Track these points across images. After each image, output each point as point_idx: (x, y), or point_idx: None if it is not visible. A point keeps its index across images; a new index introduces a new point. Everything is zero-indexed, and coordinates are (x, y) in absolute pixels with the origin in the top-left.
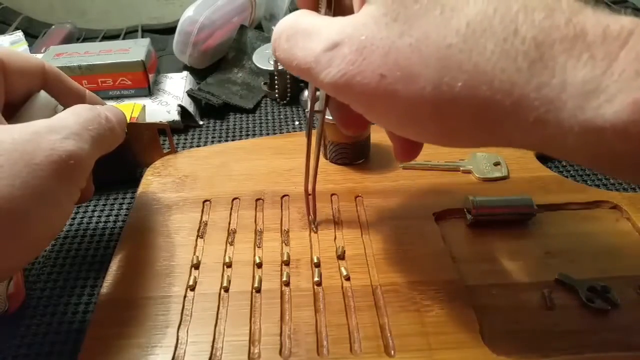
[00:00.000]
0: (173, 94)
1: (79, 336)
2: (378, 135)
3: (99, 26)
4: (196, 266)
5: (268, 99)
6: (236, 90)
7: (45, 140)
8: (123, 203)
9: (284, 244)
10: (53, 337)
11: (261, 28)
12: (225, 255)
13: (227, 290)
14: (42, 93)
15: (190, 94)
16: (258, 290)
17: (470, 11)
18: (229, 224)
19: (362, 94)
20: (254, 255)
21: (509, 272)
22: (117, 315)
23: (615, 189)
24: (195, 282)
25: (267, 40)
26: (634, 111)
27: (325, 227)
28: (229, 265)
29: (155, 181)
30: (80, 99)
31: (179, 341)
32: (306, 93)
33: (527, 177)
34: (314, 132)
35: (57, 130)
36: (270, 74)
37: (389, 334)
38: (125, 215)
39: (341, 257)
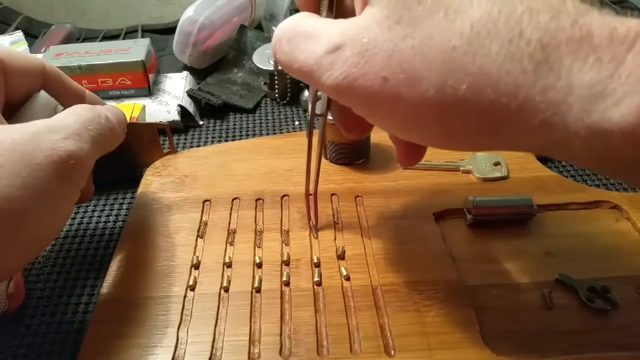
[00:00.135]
0: (173, 94)
1: (79, 336)
2: (378, 135)
3: (99, 26)
4: (196, 266)
5: (268, 99)
6: (236, 90)
7: (46, 140)
8: (123, 203)
9: (284, 244)
10: (53, 337)
11: (261, 28)
12: (225, 255)
13: (227, 290)
14: (42, 93)
15: (190, 94)
16: (258, 290)
17: (475, 13)
18: (229, 224)
19: (364, 97)
20: (254, 255)
21: (509, 272)
22: (117, 315)
23: (615, 189)
24: (195, 282)
25: (267, 40)
26: None
27: (325, 227)
28: (229, 265)
29: (155, 181)
30: (80, 99)
31: (179, 341)
32: (306, 93)
33: (527, 177)
34: (315, 133)
35: (57, 130)
36: (270, 74)
37: (389, 334)
38: (125, 215)
39: (341, 257)
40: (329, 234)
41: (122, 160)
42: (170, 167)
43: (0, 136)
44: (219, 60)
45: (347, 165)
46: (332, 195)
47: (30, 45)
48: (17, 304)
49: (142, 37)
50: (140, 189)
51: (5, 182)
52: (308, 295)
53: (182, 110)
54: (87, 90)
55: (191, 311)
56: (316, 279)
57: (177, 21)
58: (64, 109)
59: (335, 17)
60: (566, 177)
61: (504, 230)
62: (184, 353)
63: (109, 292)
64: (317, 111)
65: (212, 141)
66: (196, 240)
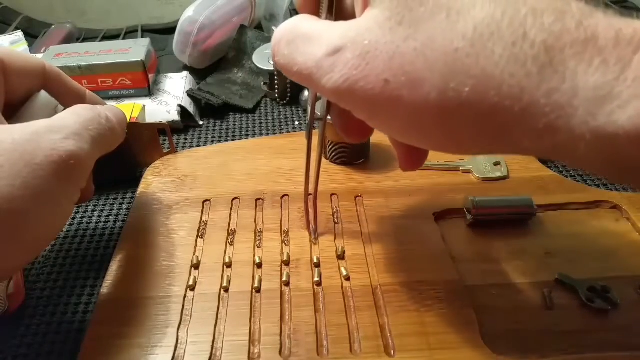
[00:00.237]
0: (173, 94)
1: (79, 336)
2: (378, 135)
3: (99, 26)
4: (196, 266)
5: (268, 99)
6: (236, 90)
7: (46, 140)
8: (123, 203)
9: (284, 244)
10: (53, 337)
11: (261, 28)
12: (225, 255)
13: (227, 290)
14: (43, 93)
15: (190, 94)
16: (258, 290)
17: (477, 14)
18: (229, 224)
19: (365, 100)
20: (254, 255)
21: (509, 272)
22: (117, 315)
23: (616, 189)
24: (195, 282)
25: (267, 40)
26: None
27: (326, 227)
28: (229, 265)
29: (155, 181)
30: (80, 99)
31: (179, 341)
32: (306, 93)
33: (527, 177)
34: (315, 133)
35: (57, 130)
36: (270, 74)
37: (389, 334)
38: (125, 215)
39: (341, 257)
40: (329, 234)
41: (122, 160)
42: (170, 167)
43: (0, 136)
44: (219, 60)
45: (347, 165)
46: (332, 195)
47: (30, 45)
48: (17, 304)
49: (142, 37)
50: (140, 189)
51: (5, 182)
52: (308, 295)
53: (182, 110)
54: (87, 90)
55: (191, 311)
56: (316, 279)
57: (177, 21)
58: (64, 109)
59: (335, 19)
60: (566, 177)
61: (504, 230)
62: (184, 353)
63: (109, 292)
64: (317, 113)
65: (212, 141)
66: (196, 240)
